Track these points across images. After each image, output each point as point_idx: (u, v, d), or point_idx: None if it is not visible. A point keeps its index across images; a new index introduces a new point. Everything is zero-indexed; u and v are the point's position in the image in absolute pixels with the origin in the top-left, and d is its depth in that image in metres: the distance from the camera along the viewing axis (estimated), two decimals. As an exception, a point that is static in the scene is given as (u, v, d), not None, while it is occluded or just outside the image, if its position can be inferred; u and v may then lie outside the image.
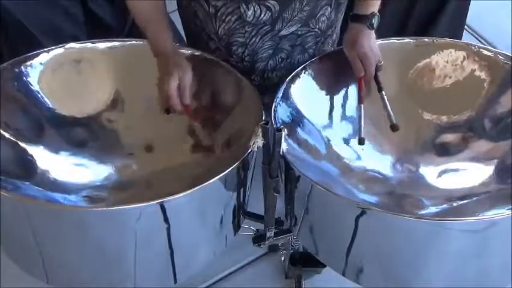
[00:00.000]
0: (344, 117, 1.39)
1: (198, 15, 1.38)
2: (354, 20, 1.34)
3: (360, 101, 1.34)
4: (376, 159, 1.36)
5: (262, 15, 1.32)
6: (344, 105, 1.40)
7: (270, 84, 1.43)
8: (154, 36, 1.32)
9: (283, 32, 1.36)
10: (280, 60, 1.42)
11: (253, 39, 1.37)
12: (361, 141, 1.31)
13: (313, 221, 1.23)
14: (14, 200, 1.11)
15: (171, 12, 2.08)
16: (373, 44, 1.34)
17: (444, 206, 1.27)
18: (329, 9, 1.37)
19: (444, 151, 1.36)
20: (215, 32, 1.38)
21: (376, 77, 1.35)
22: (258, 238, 1.37)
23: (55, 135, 1.34)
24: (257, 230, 1.39)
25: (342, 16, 1.46)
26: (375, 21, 1.32)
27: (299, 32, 1.38)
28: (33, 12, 1.80)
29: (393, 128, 1.30)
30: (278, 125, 1.22)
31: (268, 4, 1.30)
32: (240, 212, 1.29)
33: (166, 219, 1.11)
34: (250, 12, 1.31)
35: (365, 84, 1.35)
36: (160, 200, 1.07)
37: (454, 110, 1.38)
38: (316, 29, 1.39)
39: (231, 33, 1.36)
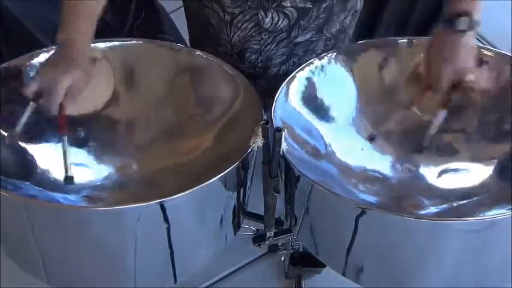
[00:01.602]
0: (344, 116, 1.39)
1: (211, 22, 1.37)
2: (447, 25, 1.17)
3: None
4: (376, 159, 1.36)
5: (280, 22, 1.32)
6: (344, 105, 1.40)
7: (279, 85, 1.43)
8: (68, 18, 1.17)
9: (299, 39, 1.37)
10: (292, 64, 1.42)
11: (269, 47, 1.37)
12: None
13: (313, 221, 1.23)
14: (14, 200, 1.11)
15: (171, 12, 2.09)
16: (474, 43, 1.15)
17: (444, 206, 1.27)
18: (343, 15, 1.37)
19: (445, 151, 1.36)
20: (229, 39, 1.37)
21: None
22: (258, 238, 1.37)
23: (55, 135, 1.34)
24: (257, 230, 1.39)
25: (355, 21, 1.45)
26: (465, 24, 1.12)
27: (313, 39, 1.38)
28: (33, 12, 1.80)
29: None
30: (278, 125, 1.22)
31: (286, 11, 1.30)
32: (240, 212, 1.29)
33: (166, 219, 1.11)
34: (268, 20, 1.31)
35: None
36: (160, 200, 1.07)
37: (454, 110, 1.38)
38: (328, 34, 1.39)
39: (245, 40, 1.36)
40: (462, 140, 1.36)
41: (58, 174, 1.29)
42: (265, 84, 1.44)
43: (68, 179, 1.21)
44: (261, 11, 1.30)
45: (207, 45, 1.43)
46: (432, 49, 1.21)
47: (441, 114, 1.26)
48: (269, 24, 1.32)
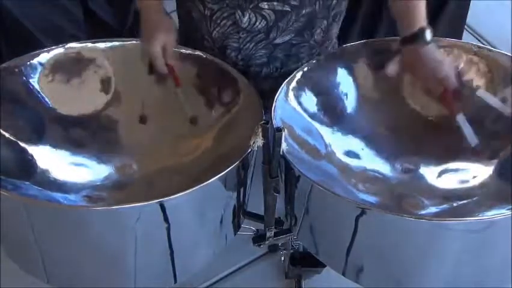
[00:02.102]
0: (344, 116, 1.39)
1: (192, 15, 1.38)
2: (407, 43, 1.27)
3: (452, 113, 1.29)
4: (376, 159, 1.36)
5: (257, 23, 1.32)
6: (344, 105, 1.40)
7: (266, 85, 1.43)
8: None
9: (278, 41, 1.37)
10: (274, 69, 1.42)
11: (247, 45, 1.37)
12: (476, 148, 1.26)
13: (313, 221, 1.23)
14: (14, 200, 1.11)
15: (171, 12, 2.09)
16: (440, 55, 1.25)
17: (445, 206, 1.27)
18: (325, 22, 1.37)
19: (444, 151, 1.36)
20: (209, 33, 1.38)
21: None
22: (258, 238, 1.37)
23: (55, 135, 1.34)
24: (257, 230, 1.39)
25: (339, 28, 1.46)
26: (428, 35, 1.23)
27: (293, 42, 1.38)
28: (33, 12, 1.80)
29: (475, 152, 1.27)
30: (278, 125, 1.22)
31: (264, 13, 1.31)
32: (240, 212, 1.29)
33: (166, 219, 1.11)
34: (245, 19, 1.32)
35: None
36: (160, 200, 1.07)
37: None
38: (311, 41, 1.39)
39: (225, 37, 1.37)
40: (462, 140, 1.36)
41: (58, 174, 1.29)
42: (252, 82, 1.44)
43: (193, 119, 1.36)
44: (238, 11, 1.31)
45: (193, 40, 1.43)
46: (424, 65, 1.26)
47: (462, 119, 1.29)
48: (246, 24, 1.33)
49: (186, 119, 1.37)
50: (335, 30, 1.44)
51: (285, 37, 1.36)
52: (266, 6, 1.30)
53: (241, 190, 1.25)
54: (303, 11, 1.32)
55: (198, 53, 1.40)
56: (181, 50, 1.42)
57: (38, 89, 1.35)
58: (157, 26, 1.32)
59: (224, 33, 1.36)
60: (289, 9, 1.31)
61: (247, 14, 1.31)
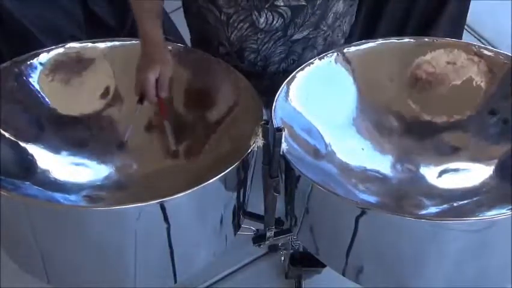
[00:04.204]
0: (344, 116, 1.39)
1: (208, 21, 1.37)
2: None
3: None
4: (376, 159, 1.36)
5: (274, 22, 1.32)
6: (344, 105, 1.40)
7: (279, 84, 1.43)
8: (145, 25, 1.31)
9: (296, 37, 1.37)
10: (291, 61, 1.42)
11: (266, 45, 1.37)
12: None
13: (313, 221, 1.23)
14: (14, 200, 1.11)
15: (171, 12, 2.10)
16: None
17: (445, 206, 1.27)
18: (337, 5, 1.37)
19: (445, 151, 1.36)
20: (227, 38, 1.38)
21: None
22: (258, 238, 1.37)
23: (55, 135, 1.34)
24: (257, 230, 1.39)
25: (355, 7, 1.45)
26: None
27: (311, 36, 1.38)
28: (33, 12, 1.80)
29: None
30: (278, 125, 1.22)
31: (280, 10, 1.30)
32: (240, 212, 1.29)
33: (166, 219, 1.11)
34: (262, 20, 1.31)
35: None
36: (160, 200, 1.07)
37: (454, 110, 1.38)
38: (325, 28, 1.39)
39: (243, 39, 1.37)
40: (462, 140, 1.36)
41: (58, 174, 1.29)
42: (268, 82, 1.44)
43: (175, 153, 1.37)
44: (255, 12, 1.31)
45: (208, 46, 1.43)
46: None
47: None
48: (264, 24, 1.33)
49: (170, 151, 1.37)
50: (348, 9, 1.43)
51: (302, 32, 1.36)
52: (282, 3, 1.30)
53: (241, 190, 1.25)
54: (318, 2, 1.31)
55: (198, 53, 1.40)
56: (181, 50, 1.42)
57: (38, 89, 1.35)
58: (155, 57, 1.30)
59: (242, 36, 1.36)
60: (304, 3, 1.30)
61: (264, 14, 1.31)
